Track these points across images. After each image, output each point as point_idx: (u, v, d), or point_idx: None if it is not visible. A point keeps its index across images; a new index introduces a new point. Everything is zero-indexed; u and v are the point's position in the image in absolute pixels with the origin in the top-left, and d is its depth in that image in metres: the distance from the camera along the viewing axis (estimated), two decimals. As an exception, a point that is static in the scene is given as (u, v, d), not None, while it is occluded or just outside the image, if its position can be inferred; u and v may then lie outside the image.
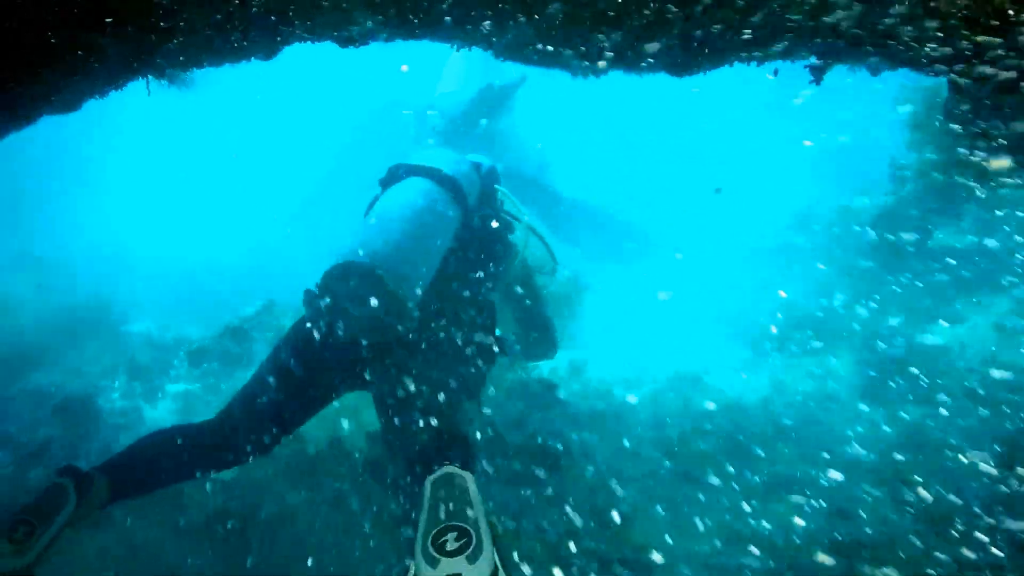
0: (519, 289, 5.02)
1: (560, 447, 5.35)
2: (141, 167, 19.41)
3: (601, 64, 3.17)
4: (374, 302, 3.66)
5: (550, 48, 3.11)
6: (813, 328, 8.72)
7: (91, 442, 6.56)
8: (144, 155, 19.83)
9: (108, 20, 3.20)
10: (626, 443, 5.82)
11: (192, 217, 16.90)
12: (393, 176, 4.48)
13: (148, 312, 11.64)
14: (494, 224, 4.62)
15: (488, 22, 2.98)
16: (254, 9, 3.24)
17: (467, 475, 3.22)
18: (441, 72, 7.45)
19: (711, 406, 6.77)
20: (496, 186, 4.93)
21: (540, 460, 5.19)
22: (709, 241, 13.30)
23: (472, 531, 2.80)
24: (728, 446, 5.84)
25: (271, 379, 3.88)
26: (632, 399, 7.25)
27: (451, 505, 2.99)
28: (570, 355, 8.15)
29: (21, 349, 9.13)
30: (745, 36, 2.81)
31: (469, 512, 2.95)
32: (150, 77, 3.99)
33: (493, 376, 5.19)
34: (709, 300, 10.87)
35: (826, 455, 5.61)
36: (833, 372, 7.68)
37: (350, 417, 5.95)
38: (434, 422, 3.80)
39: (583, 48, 2.99)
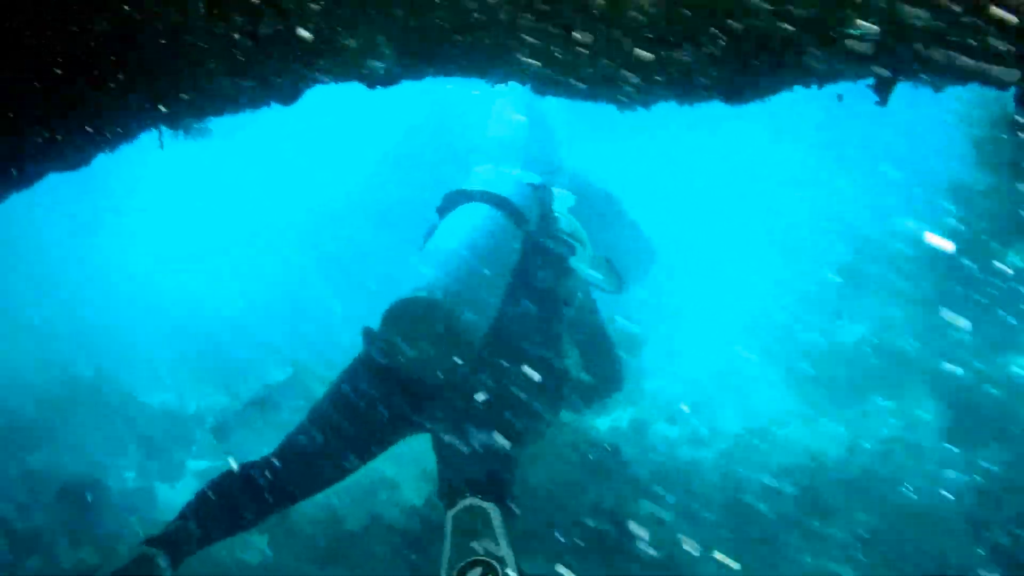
0: (581, 314, 5.03)
1: (627, 514, 5.28)
2: (149, 225, 19.61)
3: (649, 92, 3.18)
4: (439, 340, 3.73)
5: (594, 81, 3.11)
6: (887, 367, 8.62)
7: (99, 527, 6.53)
8: (152, 209, 20.03)
9: (116, 69, 3.23)
10: (699, 508, 5.73)
11: (204, 273, 17.03)
12: (450, 203, 4.52)
13: (164, 381, 11.67)
14: (564, 255, 4.68)
15: (525, 54, 3.00)
16: (272, 52, 3.27)
17: (490, 506, 3.24)
18: (487, 114, 7.53)
19: (786, 462, 6.67)
20: (552, 205, 4.97)
21: (606, 529, 5.13)
22: (763, 276, 13.21)
23: (498, 567, 2.80)
24: (810, 505, 5.74)
25: (328, 422, 3.95)
26: (701, 458, 7.17)
27: (475, 539, 3.01)
28: (630, 413, 8.09)
29: (20, 425, 9.13)
30: (806, 58, 2.80)
31: (495, 547, 2.95)
32: (163, 128, 4.03)
33: (549, 437, 5.16)
34: (770, 339, 10.77)
35: (916, 509, 5.50)
36: (913, 415, 7.58)
37: (388, 490, 5.94)
38: (487, 463, 3.82)
39: (630, 79, 3.00)
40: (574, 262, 4.81)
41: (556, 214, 4.99)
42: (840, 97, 3.07)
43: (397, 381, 3.88)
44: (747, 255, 14.26)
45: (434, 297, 3.76)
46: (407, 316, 3.79)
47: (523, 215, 4.47)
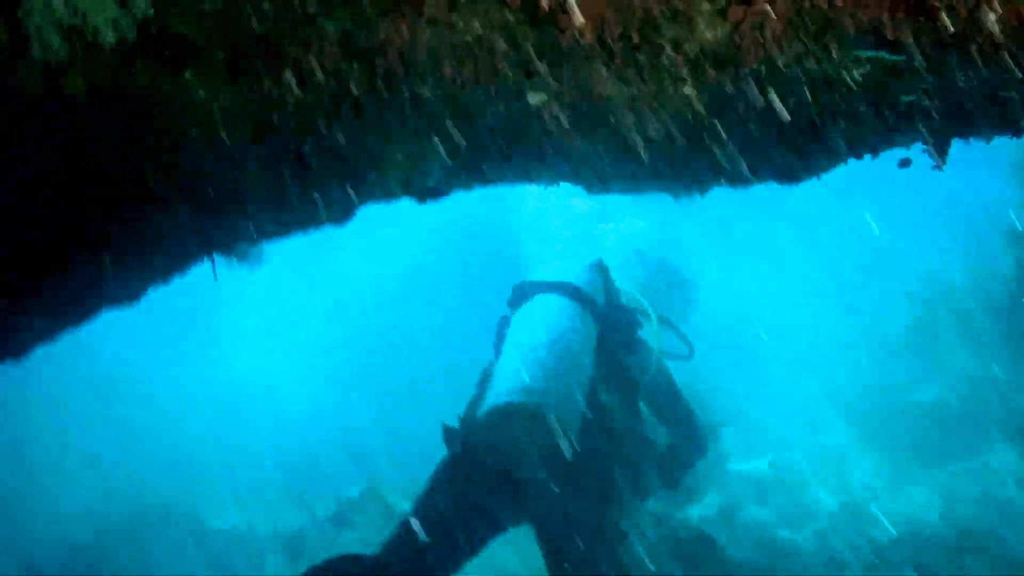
0: (656, 383, 5.10)
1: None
2: (209, 349, 19.86)
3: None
4: (541, 443, 3.88)
5: (646, 175, 3.18)
6: (967, 422, 8.51)
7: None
8: (211, 331, 20.31)
9: (161, 197, 3.32)
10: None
11: (269, 390, 17.19)
12: (520, 295, 4.66)
13: (233, 503, 11.70)
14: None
15: (573, 154, 3.07)
16: (321, 173, 3.35)
17: None
18: (546, 215, 7.80)
19: (885, 534, 6.58)
20: (613, 280, 5.10)
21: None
22: (835, 343, 13.11)
23: None
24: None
25: (431, 519, 4.05)
26: (798, 540, 7.07)
27: None
28: (718, 498, 8.01)
29: (85, 559, 9.18)
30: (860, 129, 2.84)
31: None
32: (216, 256, 4.13)
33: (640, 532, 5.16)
34: (848, 407, 10.66)
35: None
36: (1000, 468, 7.46)
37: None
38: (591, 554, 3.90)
39: (684, 172, 3.06)
40: (643, 335, 4.93)
41: (618, 286, 5.13)
42: (907, 163, 3.06)
43: (496, 480, 3.98)
44: (818, 325, 14.18)
45: (533, 401, 3.93)
46: (507, 421, 3.94)
47: (592, 299, 4.60)
